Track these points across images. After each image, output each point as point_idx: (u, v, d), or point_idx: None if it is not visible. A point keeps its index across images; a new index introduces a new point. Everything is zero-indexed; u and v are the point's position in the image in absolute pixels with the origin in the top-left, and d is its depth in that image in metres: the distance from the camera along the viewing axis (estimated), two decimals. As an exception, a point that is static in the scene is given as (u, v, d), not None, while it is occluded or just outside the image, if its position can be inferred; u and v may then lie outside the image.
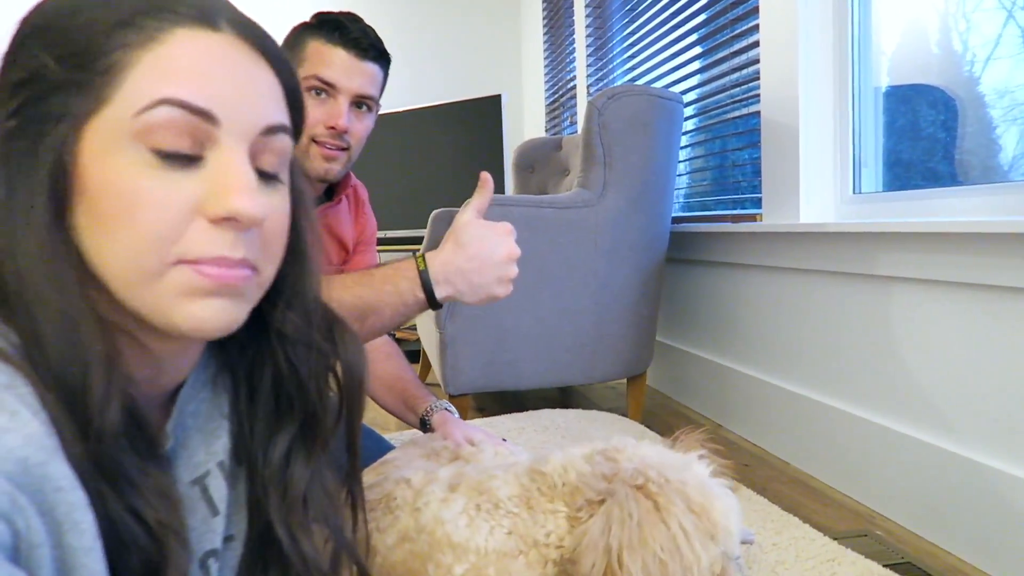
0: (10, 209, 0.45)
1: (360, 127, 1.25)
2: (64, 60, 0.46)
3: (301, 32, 1.22)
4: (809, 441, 1.66)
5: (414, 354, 2.95)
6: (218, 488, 0.57)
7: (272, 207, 0.52)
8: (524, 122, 4.51)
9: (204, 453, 0.57)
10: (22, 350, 0.44)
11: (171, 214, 0.46)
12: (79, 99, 0.45)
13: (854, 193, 1.69)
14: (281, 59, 0.53)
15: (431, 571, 0.78)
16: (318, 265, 0.60)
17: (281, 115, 0.52)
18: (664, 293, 2.41)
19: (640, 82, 2.85)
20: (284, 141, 0.53)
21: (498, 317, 1.90)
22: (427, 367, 2.81)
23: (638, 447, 0.82)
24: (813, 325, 1.67)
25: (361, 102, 1.23)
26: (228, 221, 0.47)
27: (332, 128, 1.20)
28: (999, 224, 1.13)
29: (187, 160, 0.47)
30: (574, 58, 3.58)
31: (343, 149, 1.24)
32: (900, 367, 1.40)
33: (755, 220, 1.93)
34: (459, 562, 0.77)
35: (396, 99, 3.61)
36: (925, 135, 1.60)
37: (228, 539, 0.58)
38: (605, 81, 3.23)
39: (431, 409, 1.24)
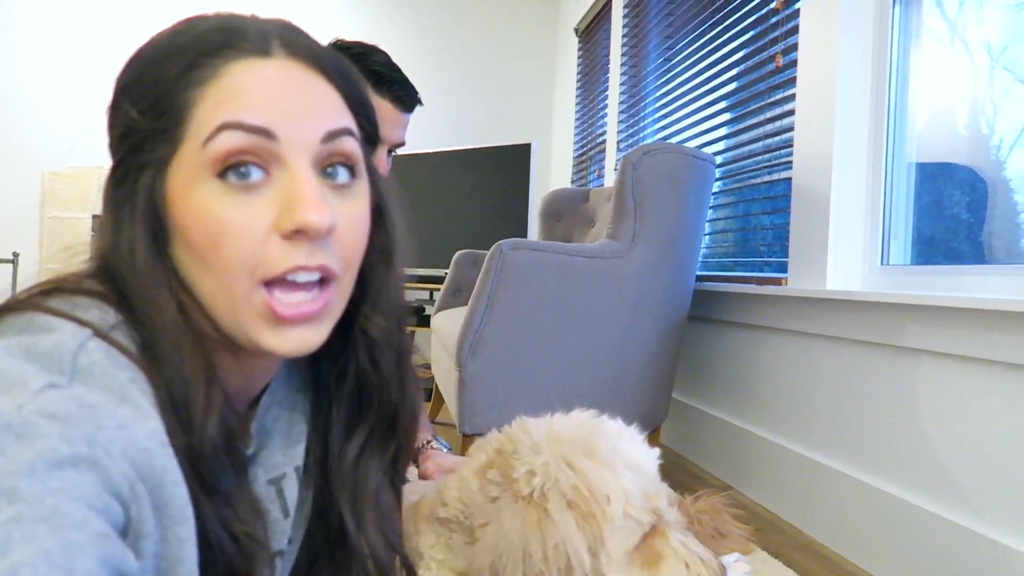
0: (118, 247, 0.50)
1: (387, 169, 1.34)
2: (146, 112, 0.50)
3: None
4: (824, 509, 1.65)
5: (426, 392, 2.95)
6: (292, 491, 0.59)
7: (344, 212, 0.53)
8: (551, 171, 4.58)
9: (282, 456, 0.59)
10: (142, 351, 0.47)
11: (251, 238, 0.49)
12: (161, 144, 0.50)
13: (882, 264, 1.71)
14: (338, 70, 0.55)
15: None
16: (402, 265, 0.61)
17: (341, 120, 0.54)
18: (683, 350, 2.42)
19: (670, 141, 2.90)
20: (349, 143, 0.54)
21: (520, 360, 1.91)
22: (439, 403, 2.81)
23: (536, 436, 0.79)
24: (834, 392, 1.67)
25: (393, 149, 1.32)
26: (300, 233, 0.49)
27: None
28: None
29: (259, 182, 0.49)
30: (605, 113, 3.66)
31: None
32: (922, 440, 1.40)
33: (780, 284, 1.95)
34: None
35: (429, 140, 3.69)
36: (955, 213, 1.63)
37: (289, 542, 0.60)
38: (636, 138, 3.30)
39: (421, 447, 1.30)
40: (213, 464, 0.48)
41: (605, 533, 0.71)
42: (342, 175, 0.53)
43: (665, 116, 2.99)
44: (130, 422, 0.42)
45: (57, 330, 0.45)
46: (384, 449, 0.62)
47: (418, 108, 1.36)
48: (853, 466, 1.59)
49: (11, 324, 0.46)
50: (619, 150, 3.44)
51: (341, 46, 1.27)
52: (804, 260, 1.84)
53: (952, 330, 1.32)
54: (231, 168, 0.48)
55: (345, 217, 0.53)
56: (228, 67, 0.50)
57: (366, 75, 1.24)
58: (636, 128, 3.29)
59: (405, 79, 1.29)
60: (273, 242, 0.49)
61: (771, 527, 1.74)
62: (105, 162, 0.52)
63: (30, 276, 0.53)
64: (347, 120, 0.54)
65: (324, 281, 0.52)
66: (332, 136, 0.52)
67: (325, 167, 0.52)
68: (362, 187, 0.56)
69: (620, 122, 3.44)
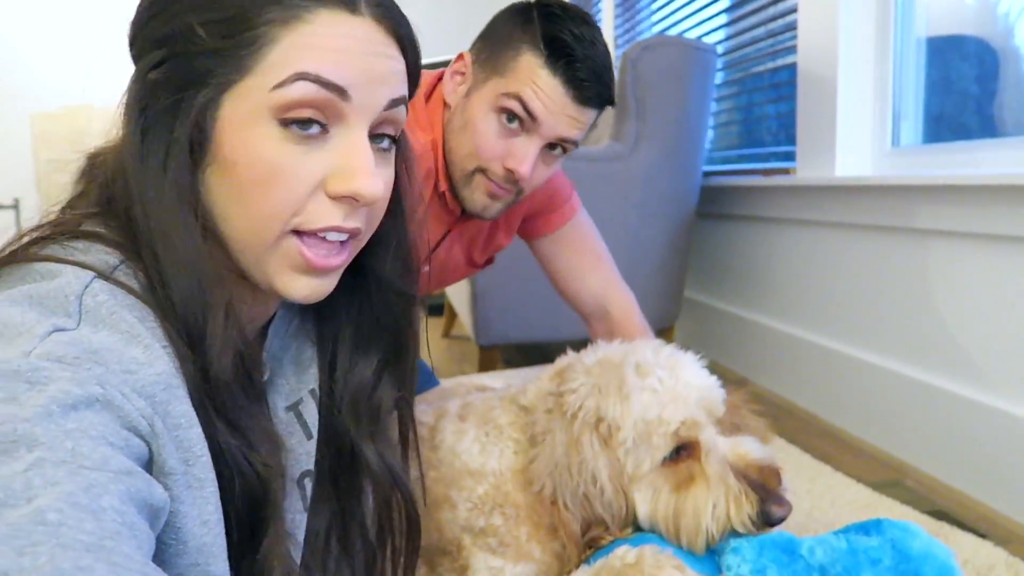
0: (143, 158, 0.48)
1: (544, 173, 1.06)
2: (212, 26, 0.48)
3: (520, 34, 1.00)
4: (839, 394, 1.68)
5: (437, 308, 2.97)
6: (311, 414, 0.61)
7: (384, 179, 0.54)
8: (546, 75, 4.46)
9: (296, 381, 0.61)
10: (147, 290, 0.46)
11: (299, 189, 0.49)
12: (224, 66, 0.48)
13: (892, 146, 1.67)
14: (409, 39, 0.55)
15: (454, 495, 0.89)
16: (416, 215, 0.63)
17: (402, 89, 0.54)
18: (693, 248, 2.41)
19: (669, 33, 2.80)
20: (402, 113, 0.55)
21: (529, 269, 1.91)
22: (451, 318, 2.83)
23: (592, 358, 0.90)
24: (847, 279, 1.67)
25: (558, 144, 1.03)
26: (348, 199, 0.50)
27: (509, 171, 1.01)
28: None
29: (316, 136, 0.49)
30: (600, 8, 3.52)
31: (514, 192, 1.05)
32: (935, 320, 1.40)
33: (788, 173, 1.92)
34: (480, 484, 0.89)
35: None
36: (967, 87, 1.58)
37: (316, 462, 0.62)
38: (632, 32, 3.18)
39: None
40: (227, 395, 0.48)
41: (620, 454, 0.82)
42: (386, 142, 0.55)
43: (662, 7, 2.87)
44: (137, 366, 0.41)
45: (60, 274, 0.44)
46: (396, 377, 0.63)
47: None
48: (868, 350, 1.61)
49: (10, 274, 0.45)
50: (617, 47, 3.32)
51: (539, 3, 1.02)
52: (812, 148, 1.80)
53: (965, 208, 1.30)
54: (293, 117, 0.48)
55: (385, 184, 0.54)
56: (316, 14, 0.48)
57: (543, 37, 0.98)
58: (633, 22, 3.17)
59: (592, 59, 0.99)
60: (318, 198, 0.50)
61: (786, 414, 1.78)
62: (97, 101, 0.50)
63: (32, 221, 0.52)
64: (405, 88, 0.55)
65: (348, 238, 0.54)
66: (394, 104, 0.53)
67: (375, 132, 0.53)
68: (393, 152, 0.57)
69: (616, 16, 3.31)
